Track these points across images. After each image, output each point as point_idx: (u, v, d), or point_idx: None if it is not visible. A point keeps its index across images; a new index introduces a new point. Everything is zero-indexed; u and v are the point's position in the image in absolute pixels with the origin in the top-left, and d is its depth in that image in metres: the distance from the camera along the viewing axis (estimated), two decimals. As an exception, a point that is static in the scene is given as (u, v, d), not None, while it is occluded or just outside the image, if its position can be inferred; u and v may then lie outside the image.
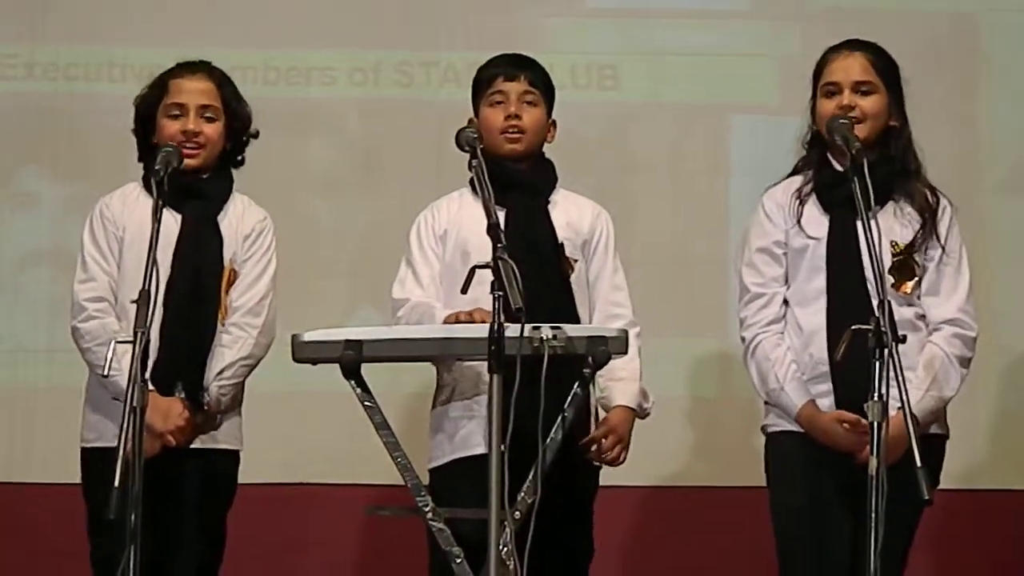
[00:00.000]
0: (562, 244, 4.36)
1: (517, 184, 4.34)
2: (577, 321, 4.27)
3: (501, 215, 4.23)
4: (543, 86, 4.42)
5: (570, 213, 4.42)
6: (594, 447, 4.29)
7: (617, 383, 4.34)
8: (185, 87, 4.41)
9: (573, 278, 4.37)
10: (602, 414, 4.37)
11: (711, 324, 5.55)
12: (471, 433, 4.23)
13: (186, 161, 4.30)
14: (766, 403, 4.30)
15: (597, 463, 4.33)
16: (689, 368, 5.65)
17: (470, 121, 4.38)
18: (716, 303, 5.50)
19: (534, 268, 4.17)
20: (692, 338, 5.59)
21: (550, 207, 4.40)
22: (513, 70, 4.41)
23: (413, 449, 4.09)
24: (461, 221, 4.36)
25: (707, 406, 5.67)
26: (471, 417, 4.24)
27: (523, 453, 3.86)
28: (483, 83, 4.43)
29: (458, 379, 4.28)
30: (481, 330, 3.84)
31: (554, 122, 4.47)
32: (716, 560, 5.57)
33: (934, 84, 5.29)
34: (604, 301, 4.40)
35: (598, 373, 4.23)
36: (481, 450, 4.15)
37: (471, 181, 4.35)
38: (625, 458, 4.34)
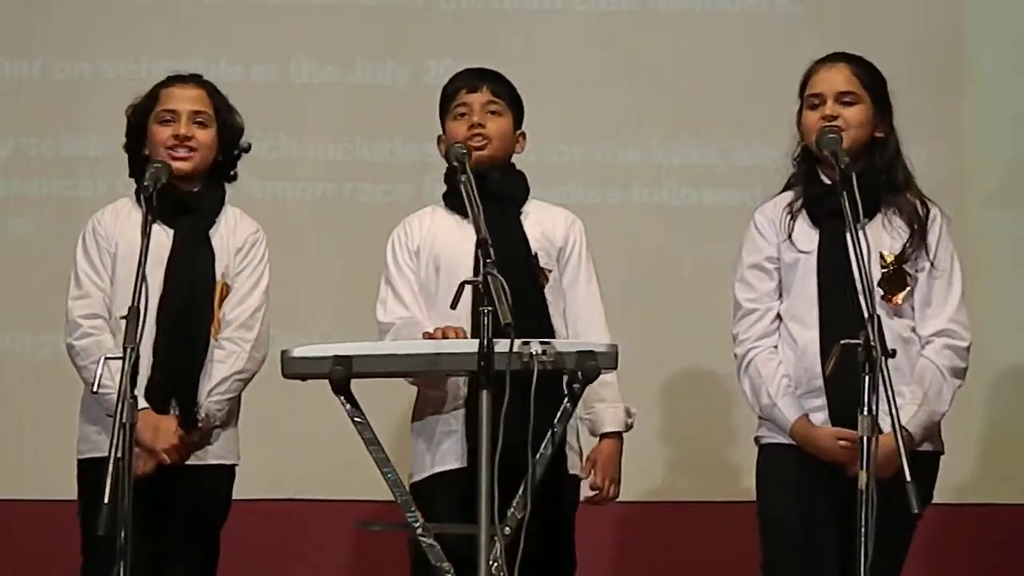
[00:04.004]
0: (536, 254, 4.35)
1: (488, 196, 4.31)
2: (552, 332, 4.26)
3: (472, 229, 4.25)
4: (507, 97, 4.40)
5: (543, 223, 4.41)
6: (593, 492, 4.31)
7: (602, 404, 4.33)
8: (176, 94, 4.41)
9: (548, 287, 4.36)
10: (583, 430, 4.37)
11: (694, 338, 5.55)
12: (450, 448, 4.23)
13: (177, 165, 4.29)
14: (760, 416, 4.31)
15: (594, 503, 4.33)
16: (672, 382, 5.65)
17: (439, 138, 4.40)
18: (700, 317, 5.51)
19: (508, 279, 4.16)
20: (675, 352, 5.59)
21: (523, 218, 4.39)
22: (475, 81, 4.40)
23: (403, 465, 4.09)
24: (434, 236, 4.35)
25: (689, 420, 5.66)
26: (450, 432, 4.24)
27: (507, 468, 3.85)
28: (447, 98, 4.42)
29: (437, 393, 4.27)
30: (470, 345, 3.84)
31: (523, 133, 4.45)
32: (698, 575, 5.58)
33: (919, 96, 5.30)
34: (579, 311, 4.38)
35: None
36: (460, 464, 4.18)
37: (444, 196, 4.39)
38: (618, 493, 4.34)
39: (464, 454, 4.19)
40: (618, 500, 4.38)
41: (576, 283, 4.40)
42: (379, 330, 4.35)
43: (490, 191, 4.31)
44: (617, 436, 4.35)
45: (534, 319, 4.22)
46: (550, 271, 4.38)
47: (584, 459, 4.35)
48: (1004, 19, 5.82)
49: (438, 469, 4.25)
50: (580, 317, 4.38)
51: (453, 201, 4.33)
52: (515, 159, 4.45)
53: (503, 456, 3.81)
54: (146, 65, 5.57)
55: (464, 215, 4.26)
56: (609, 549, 5.60)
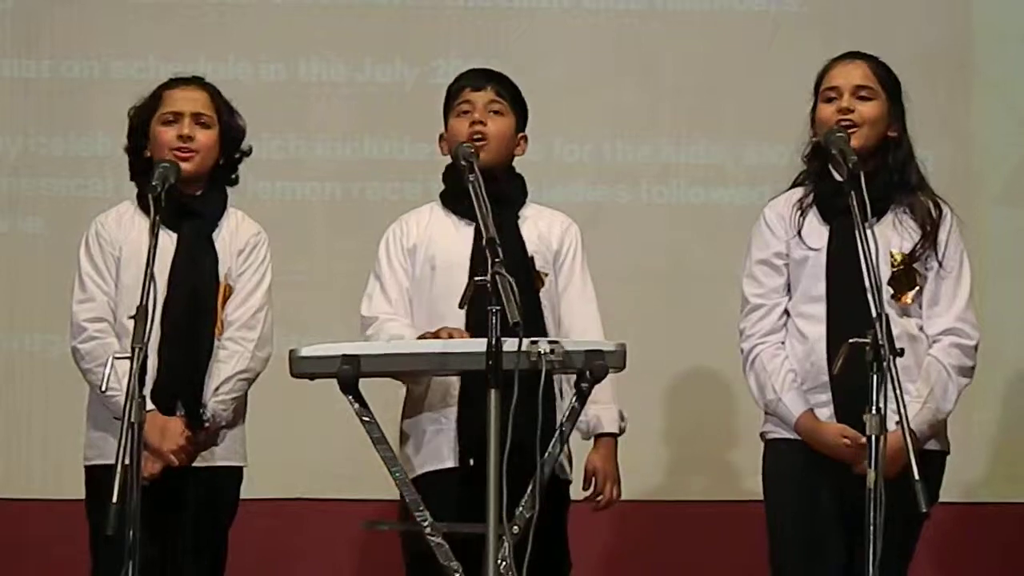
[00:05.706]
0: (532, 258, 4.34)
1: (487, 198, 4.32)
2: (546, 335, 4.23)
3: (470, 230, 4.25)
4: (510, 97, 4.40)
5: (540, 226, 4.40)
6: (599, 498, 4.31)
7: (596, 406, 4.29)
8: (179, 96, 4.41)
9: (543, 292, 4.35)
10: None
11: (702, 337, 5.54)
12: (440, 446, 4.22)
13: (182, 166, 4.28)
14: (766, 411, 4.31)
15: (598, 508, 4.33)
16: (679, 381, 5.64)
17: (441, 136, 4.40)
18: (707, 316, 5.50)
19: None
20: (682, 351, 5.59)
21: (520, 221, 4.38)
22: (480, 81, 4.40)
23: (411, 464, 4.09)
24: (431, 235, 4.34)
25: (695, 419, 5.66)
26: (440, 430, 4.23)
27: (507, 467, 3.84)
28: (452, 95, 4.42)
29: (428, 391, 4.26)
30: (479, 344, 3.84)
31: (524, 136, 4.44)
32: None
33: (928, 97, 5.30)
34: (574, 315, 4.37)
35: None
36: (451, 463, 4.18)
37: (442, 195, 4.39)
38: (620, 493, 4.34)
39: (455, 454, 4.19)
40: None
41: (571, 287, 4.39)
42: (361, 324, 4.34)
43: (489, 193, 4.31)
44: (613, 437, 4.34)
45: (530, 322, 4.19)
46: (546, 275, 4.37)
47: (571, 461, 4.33)
48: (1013, 19, 5.82)
49: (428, 468, 4.23)
50: (575, 321, 4.36)
51: (451, 201, 4.34)
52: (516, 161, 4.44)
53: (510, 456, 3.80)
54: (154, 64, 5.58)
55: (462, 215, 4.29)
56: (606, 549, 5.59)
